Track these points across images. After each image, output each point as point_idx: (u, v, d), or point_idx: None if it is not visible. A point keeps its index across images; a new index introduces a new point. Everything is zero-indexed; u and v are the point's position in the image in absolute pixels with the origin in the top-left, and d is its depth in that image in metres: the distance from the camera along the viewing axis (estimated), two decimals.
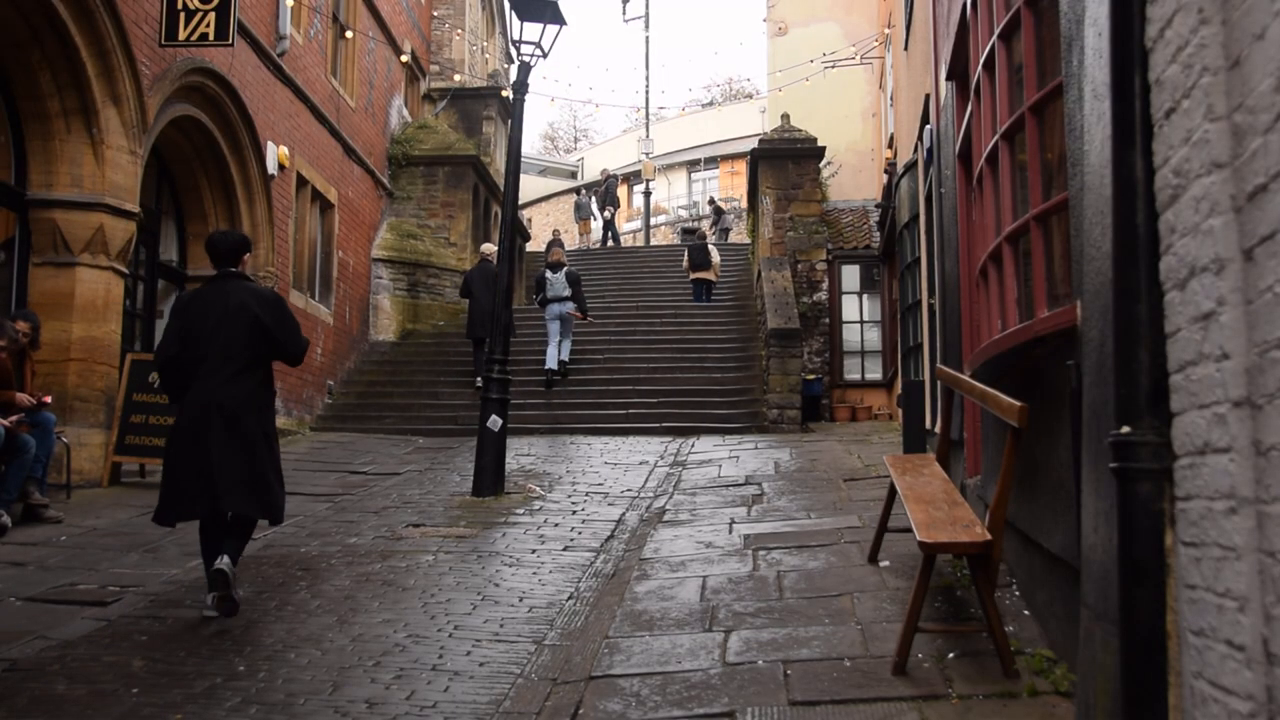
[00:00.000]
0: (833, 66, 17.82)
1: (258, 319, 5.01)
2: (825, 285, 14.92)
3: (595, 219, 26.75)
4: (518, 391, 11.45)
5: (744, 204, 24.12)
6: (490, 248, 13.63)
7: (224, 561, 4.73)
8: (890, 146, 14.54)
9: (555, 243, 17.70)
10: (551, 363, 13.28)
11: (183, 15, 9.07)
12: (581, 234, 27.60)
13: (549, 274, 13.46)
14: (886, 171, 13.99)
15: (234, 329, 4.98)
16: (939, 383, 6.60)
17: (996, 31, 4.59)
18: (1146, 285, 2.38)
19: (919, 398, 9.03)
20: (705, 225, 25.87)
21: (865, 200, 17.37)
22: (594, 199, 26.63)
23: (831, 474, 8.43)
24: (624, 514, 7.25)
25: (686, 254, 17.39)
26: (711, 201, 28.49)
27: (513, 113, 8.93)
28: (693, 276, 17.00)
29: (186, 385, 4.99)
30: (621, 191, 37.96)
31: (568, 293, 13.26)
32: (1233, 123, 2.01)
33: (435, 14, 19.63)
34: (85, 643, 4.43)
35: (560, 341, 13.36)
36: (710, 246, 17.66)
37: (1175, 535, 2.30)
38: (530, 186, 31.00)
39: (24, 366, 7.25)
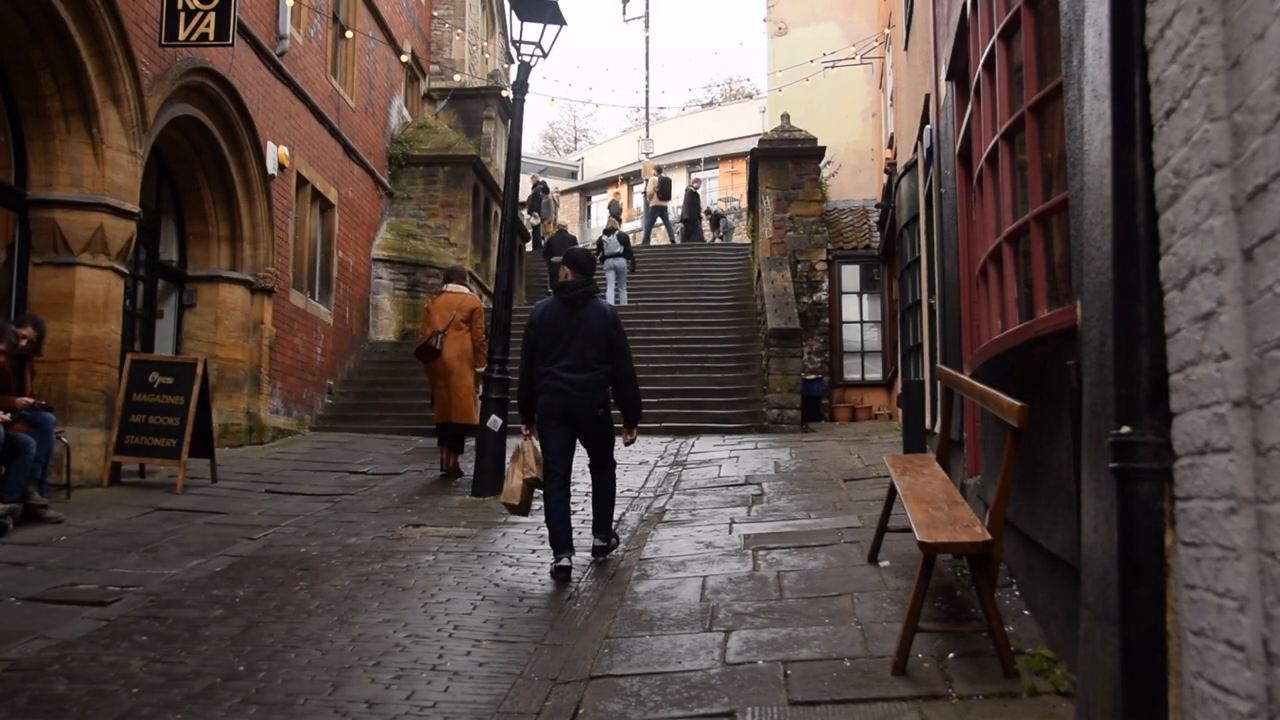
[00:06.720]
0: (833, 66, 17.82)
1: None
2: (825, 285, 14.91)
3: (553, 221, 25.06)
4: None
5: (744, 204, 24.04)
6: (563, 220, 17.79)
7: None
8: (890, 146, 14.53)
9: (614, 214, 21.73)
10: (611, 302, 15.55)
11: (183, 15, 9.07)
12: (544, 233, 26.98)
13: (605, 237, 17.37)
14: (886, 171, 13.98)
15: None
16: (939, 383, 6.59)
17: (996, 31, 4.59)
18: (1146, 285, 2.38)
19: (919, 398, 9.03)
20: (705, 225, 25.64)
21: (865, 200, 17.35)
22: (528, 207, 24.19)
23: (831, 474, 8.43)
24: (624, 514, 7.24)
25: (657, 183, 23.00)
26: (709, 211, 28.15)
27: (513, 113, 8.94)
28: (654, 203, 21.81)
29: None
30: (620, 191, 37.84)
31: (620, 249, 16.93)
32: (1233, 123, 2.01)
33: (435, 14, 19.63)
34: (85, 643, 4.42)
35: (617, 288, 16.81)
36: (671, 180, 23.59)
37: (1175, 535, 2.30)
38: (530, 186, 30.89)
39: (24, 371, 7.24)
